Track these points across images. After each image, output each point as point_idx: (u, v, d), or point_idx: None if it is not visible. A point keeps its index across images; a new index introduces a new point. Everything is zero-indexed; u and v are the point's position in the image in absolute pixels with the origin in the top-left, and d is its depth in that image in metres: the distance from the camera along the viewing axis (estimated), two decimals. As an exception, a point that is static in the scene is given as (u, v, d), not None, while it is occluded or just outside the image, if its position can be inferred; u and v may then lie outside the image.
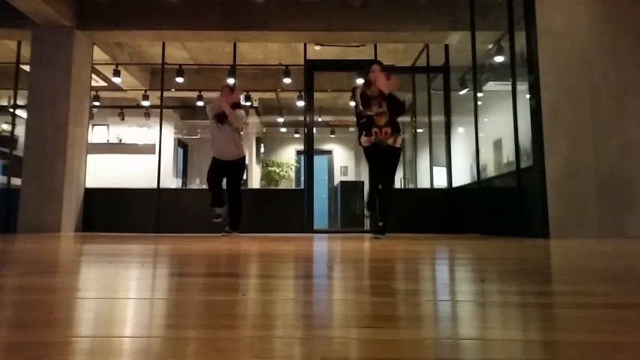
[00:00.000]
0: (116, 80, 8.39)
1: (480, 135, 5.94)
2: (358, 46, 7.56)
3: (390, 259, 1.99)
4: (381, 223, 4.34)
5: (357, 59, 7.55)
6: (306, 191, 6.90)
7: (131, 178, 8.46)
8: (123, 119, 10.24)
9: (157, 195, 6.87)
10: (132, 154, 9.98)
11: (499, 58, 5.67)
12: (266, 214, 6.83)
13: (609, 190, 4.20)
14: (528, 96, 4.54)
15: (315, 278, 1.30)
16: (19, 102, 7.23)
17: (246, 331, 0.65)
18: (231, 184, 5.14)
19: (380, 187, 4.42)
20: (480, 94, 6.18)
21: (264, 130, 12.56)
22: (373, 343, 0.58)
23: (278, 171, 12.24)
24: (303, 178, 7.32)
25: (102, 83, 8.64)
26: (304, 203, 6.80)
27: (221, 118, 5.05)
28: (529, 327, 0.71)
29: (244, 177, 11.05)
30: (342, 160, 13.07)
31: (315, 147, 7.28)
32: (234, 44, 7.22)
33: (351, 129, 11.74)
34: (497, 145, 6.10)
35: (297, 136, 12.19)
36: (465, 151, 6.79)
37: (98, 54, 7.53)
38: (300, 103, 7.97)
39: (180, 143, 11.21)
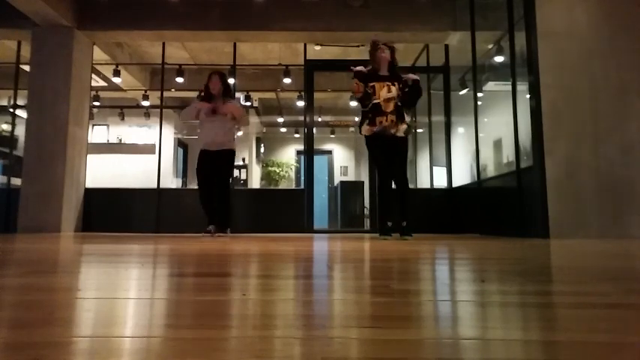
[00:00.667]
0: (116, 80, 8.39)
1: (480, 135, 5.93)
2: (358, 46, 7.56)
3: (390, 259, 1.99)
4: (404, 223, 4.04)
5: (357, 59, 7.55)
6: (306, 191, 6.90)
7: (131, 178, 8.45)
8: (123, 119, 10.24)
9: (156, 195, 6.87)
10: (132, 154, 9.98)
11: (499, 58, 5.67)
12: (266, 214, 6.83)
13: (609, 190, 4.20)
14: (528, 96, 4.54)
15: (315, 278, 1.30)
16: (19, 102, 7.23)
17: (246, 331, 0.65)
18: (220, 179, 4.79)
19: (393, 185, 4.13)
20: (480, 94, 6.18)
21: (264, 130, 12.56)
22: (373, 343, 0.58)
23: (278, 171, 12.25)
24: (303, 178, 7.32)
25: (102, 83, 8.64)
26: (304, 203, 6.80)
27: (211, 109, 4.71)
28: (529, 327, 0.71)
29: (245, 177, 11.10)
30: (342, 160, 13.07)
31: (315, 147, 7.28)
32: (234, 44, 7.22)
33: (351, 129, 11.74)
34: (497, 145, 6.10)
35: (297, 136, 12.19)
36: (465, 151, 6.79)
37: (98, 54, 7.53)
38: (300, 103, 7.98)
39: (180, 143, 11.22)
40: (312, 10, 6.72)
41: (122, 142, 10.56)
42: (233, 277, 1.33)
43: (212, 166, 4.74)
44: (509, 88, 4.99)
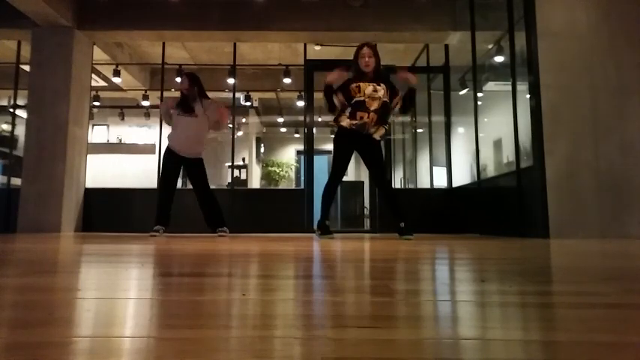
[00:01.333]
0: (116, 80, 8.39)
1: (480, 135, 5.94)
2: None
3: (390, 259, 1.99)
4: (402, 224, 3.98)
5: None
6: (306, 191, 6.90)
7: (131, 178, 8.46)
8: (123, 119, 10.25)
9: (156, 195, 6.86)
10: (132, 154, 9.98)
11: (499, 58, 5.67)
12: (266, 214, 6.83)
13: (609, 190, 4.20)
14: (528, 96, 4.54)
15: (315, 278, 1.30)
16: (19, 102, 7.24)
17: (246, 331, 0.65)
18: (198, 184, 4.70)
19: (378, 190, 4.15)
20: (480, 94, 6.18)
21: (264, 130, 12.56)
22: (373, 343, 0.58)
23: (278, 171, 12.25)
24: (303, 178, 7.32)
25: (102, 83, 8.65)
26: (304, 203, 6.80)
27: (186, 107, 4.59)
28: (529, 327, 0.71)
29: (245, 177, 11.09)
30: (342, 160, 13.04)
31: (315, 147, 7.28)
32: (234, 44, 7.23)
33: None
34: (497, 145, 6.10)
35: (297, 136, 12.19)
36: (465, 151, 6.79)
37: (98, 54, 7.54)
38: (300, 103, 7.98)
39: (180, 143, 11.19)
40: (312, 10, 6.72)
41: (122, 142, 10.57)
42: (233, 277, 1.33)
43: (177, 170, 4.70)
44: (509, 88, 4.99)
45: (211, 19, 6.75)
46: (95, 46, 7.27)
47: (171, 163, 4.68)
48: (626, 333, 0.65)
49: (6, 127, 8.07)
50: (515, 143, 4.83)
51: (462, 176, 6.78)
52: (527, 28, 4.58)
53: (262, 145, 12.51)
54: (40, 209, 6.24)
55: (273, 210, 6.87)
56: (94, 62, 7.34)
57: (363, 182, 10.46)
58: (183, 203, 6.92)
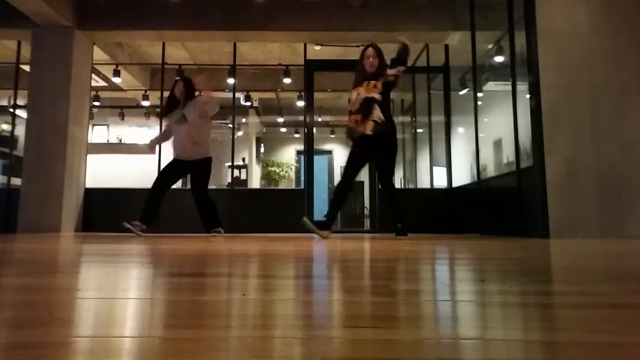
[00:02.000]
0: (116, 80, 8.39)
1: (480, 135, 5.94)
2: (358, 46, 7.56)
3: (390, 259, 1.99)
4: (398, 225, 4.04)
5: (357, 59, 7.55)
6: (306, 191, 6.90)
7: (131, 178, 8.46)
8: (123, 119, 10.24)
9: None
10: (132, 154, 9.98)
11: (499, 58, 5.67)
12: (266, 214, 6.83)
13: (609, 190, 4.20)
14: (528, 96, 4.54)
15: (314, 278, 1.30)
16: (19, 102, 7.24)
17: (246, 331, 0.65)
18: (195, 185, 4.74)
19: (379, 187, 4.17)
20: (480, 94, 6.18)
21: (264, 130, 12.56)
22: (373, 343, 0.58)
23: (278, 171, 12.25)
24: (303, 178, 7.32)
25: (102, 83, 8.65)
26: (304, 203, 6.80)
27: (178, 117, 4.72)
28: (529, 327, 0.71)
29: (245, 177, 11.09)
30: (342, 160, 12.95)
31: (315, 147, 7.29)
32: (234, 44, 7.23)
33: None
34: (497, 145, 6.10)
35: (297, 136, 12.19)
36: (465, 151, 6.79)
37: (98, 54, 7.54)
38: (300, 103, 7.98)
39: (180, 143, 11.19)
40: (312, 10, 6.72)
41: (122, 142, 10.56)
42: (233, 277, 1.33)
43: (176, 175, 4.81)
44: (509, 88, 4.99)
45: (211, 19, 6.75)
46: (95, 46, 7.27)
47: (172, 166, 4.78)
48: (628, 333, 0.65)
49: (6, 127, 8.07)
50: (516, 143, 4.83)
51: (462, 176, 6.78)
52: (527, 28, 4.58)
53: (262, 145, 12.51)
54: (40, 209, 6.24)
55: (273, 210, 6.87)
56: (94, 62, 7.34)
57: (363, 182, 10.46)
58: (183, 204, 6.93)
